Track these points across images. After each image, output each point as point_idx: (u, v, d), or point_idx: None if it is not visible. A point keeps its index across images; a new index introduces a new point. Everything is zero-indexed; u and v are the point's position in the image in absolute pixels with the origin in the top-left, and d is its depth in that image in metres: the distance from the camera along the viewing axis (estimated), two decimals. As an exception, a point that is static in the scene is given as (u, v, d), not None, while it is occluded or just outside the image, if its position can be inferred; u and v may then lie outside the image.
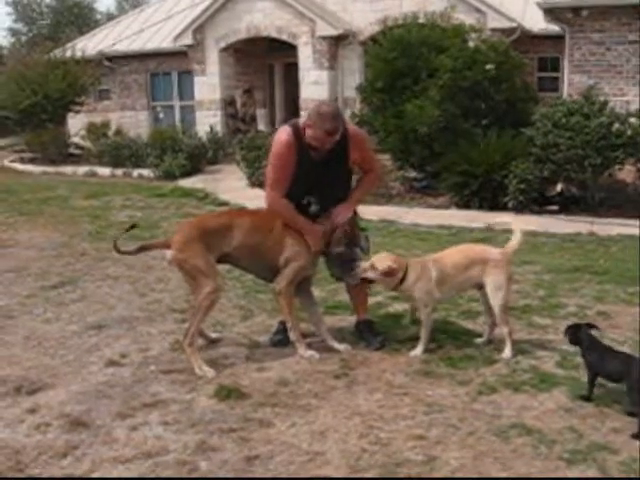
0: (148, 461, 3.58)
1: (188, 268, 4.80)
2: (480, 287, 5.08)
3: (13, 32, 44.56)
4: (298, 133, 4.85)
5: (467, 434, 3.78)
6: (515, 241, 5.11)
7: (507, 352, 4.90)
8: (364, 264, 4.95)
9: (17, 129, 21.22)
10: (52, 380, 4.63)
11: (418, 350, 4.95)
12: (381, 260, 4.92)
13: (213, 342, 5.28)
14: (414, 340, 5.11)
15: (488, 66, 11.74)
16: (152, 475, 3.46)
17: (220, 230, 4.88)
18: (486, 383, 4.46)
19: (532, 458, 3.53)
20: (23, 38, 43.09)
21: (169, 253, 4.84)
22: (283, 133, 4.92)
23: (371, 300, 5.69)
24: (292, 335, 5.03)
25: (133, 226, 5.42)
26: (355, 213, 5.23)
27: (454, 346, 5.08)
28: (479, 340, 5.19)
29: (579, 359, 4.67)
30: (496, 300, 4.94)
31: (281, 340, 5.20)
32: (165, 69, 21.54)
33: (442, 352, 4.98)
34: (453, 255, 5.14)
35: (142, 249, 5.19)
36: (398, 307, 5.98)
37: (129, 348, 5.22)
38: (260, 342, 5.28)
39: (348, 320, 5.60)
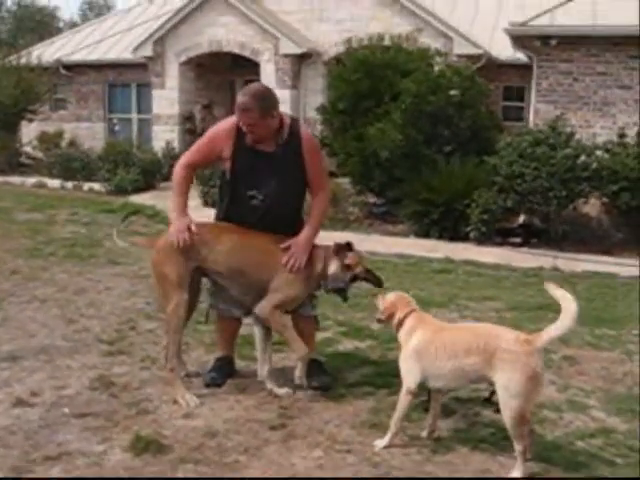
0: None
1: (159, 273, 4.47)
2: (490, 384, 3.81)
3: (-30, 35, 43.31)
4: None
5: (417, 504, 3.27)
6: (558, 326, 3.53)
7: (516, 473, 3.59)
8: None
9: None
10: (-54, 422, 4.02)
11: (382, 442, 3.86)
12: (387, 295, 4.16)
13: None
14: (365, 385, 4.61)
15: (453, 92, 11.40)
16: None
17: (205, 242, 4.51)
18: (441, 439, 3.95)
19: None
20: (-19, 43, 42.02)
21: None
22: (226, 121, 4.70)
23: (319, 335, 5.18)
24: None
25: (135, 212, 5.09)
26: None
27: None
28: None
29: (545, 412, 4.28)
30: (507, 408, 3.57)
31: (215, 379, 4.66)
32: (124, 81, 20.90)
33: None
34: (452, 331, 4.00)
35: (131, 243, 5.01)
36: (349, 345, 5.47)
37: (43, 385, 4.62)
38: (192, 382, 4.72)
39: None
